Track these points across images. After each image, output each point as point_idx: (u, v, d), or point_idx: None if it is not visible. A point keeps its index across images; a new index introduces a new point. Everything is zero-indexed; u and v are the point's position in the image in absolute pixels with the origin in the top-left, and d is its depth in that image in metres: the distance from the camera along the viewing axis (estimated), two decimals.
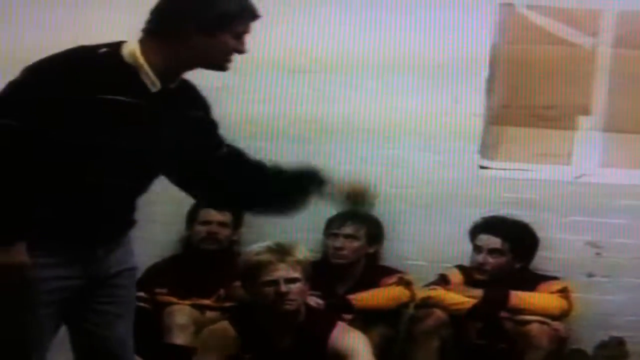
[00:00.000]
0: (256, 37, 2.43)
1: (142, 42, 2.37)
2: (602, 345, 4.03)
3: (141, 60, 2.34)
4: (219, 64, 2.42)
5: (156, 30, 2.38)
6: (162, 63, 2.36)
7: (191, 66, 2.43)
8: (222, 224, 4.02)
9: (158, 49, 2.36)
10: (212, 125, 2.56)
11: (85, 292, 2.51)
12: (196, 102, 2.52)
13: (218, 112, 2.54)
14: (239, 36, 2.41)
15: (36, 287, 2.40)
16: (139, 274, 3.80)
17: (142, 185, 2.52)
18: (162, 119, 2.41)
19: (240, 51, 2.41)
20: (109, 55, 2.34)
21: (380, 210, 4.04)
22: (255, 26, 2.42)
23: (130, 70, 2.34)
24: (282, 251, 3.28)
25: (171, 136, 2.45)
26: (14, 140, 2.26)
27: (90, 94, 2.29)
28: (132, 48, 2.35)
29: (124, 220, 2.58)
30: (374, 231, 4.04)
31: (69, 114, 2.27)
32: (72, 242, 2.42)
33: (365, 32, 4.04)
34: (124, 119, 2.35)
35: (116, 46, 2.37)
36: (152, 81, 2.36)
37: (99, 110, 2.30)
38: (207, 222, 4.01)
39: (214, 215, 4.02)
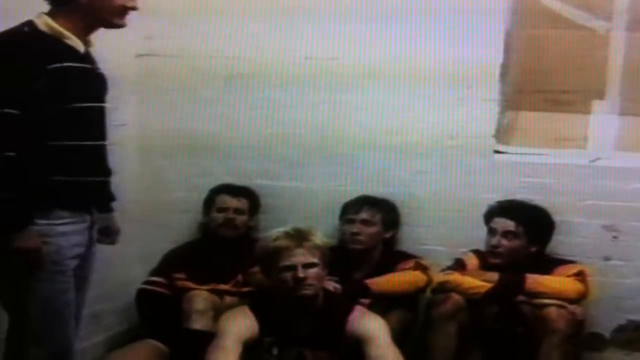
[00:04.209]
0: None
1: (53, 14, 2.58)
2: (620, 329, 4.03)
3: (59, 28, 2.56)
4: (121, 21, 2.66)
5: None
6: (75, 27, 2.58)
7: (99, 26, 2.66)
8: (238, 211, 4.03)
9: (69, 16, 2.58)
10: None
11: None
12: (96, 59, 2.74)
13: None
14: None
15: (61, 264, 2.54)
16: (157, 259, 3.90)
17: (105, 141, 2.72)
18: (94, 74, 2.68)
19: (134, 7, 2.66)
20: (33, 32, 2.54)
21: (396, 196, 4.07)
22: None
23: (56, 40, 2.55)
24: (299, 236, 3.29)
25: (101, 89, 2.71)
26: (15, 126, 2.43)
27: (44, 66, 2.48)
28: (45, 21, 2.56)
29: (108, 185, 2.77)
30: (390, 216, 4.04)
31: (37, 88, 2.46)
32: (78, 208, 2.60)
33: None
34: (80, 81, 2.57)
35: (29, 24, 2.56)
36: (76, 44, 2.59)
37: (59, 78, 2.50)
38: (224, 209, 4.03)
39: (231, 202, 4.04)
